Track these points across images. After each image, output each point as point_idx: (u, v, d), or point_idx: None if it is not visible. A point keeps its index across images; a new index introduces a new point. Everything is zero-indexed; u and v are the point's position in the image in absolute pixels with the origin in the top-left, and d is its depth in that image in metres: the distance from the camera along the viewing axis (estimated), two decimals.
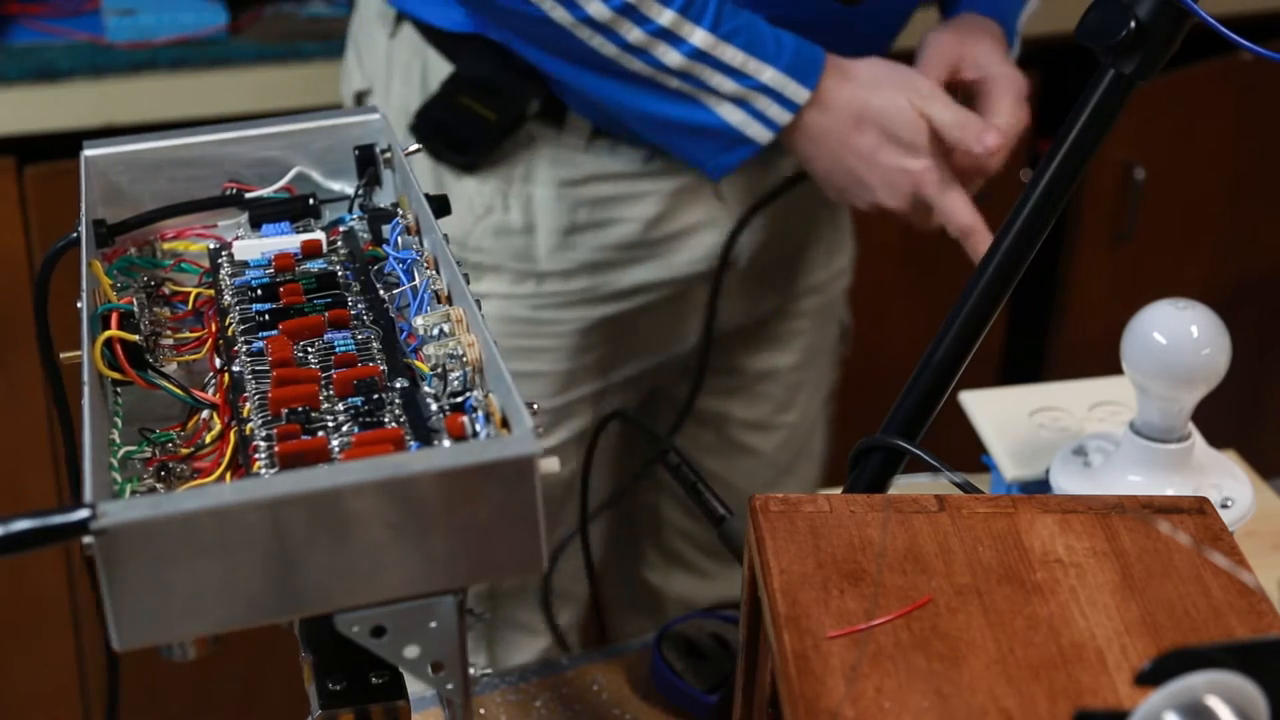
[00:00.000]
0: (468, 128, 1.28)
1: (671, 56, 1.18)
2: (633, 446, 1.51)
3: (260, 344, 0.78)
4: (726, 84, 1.20)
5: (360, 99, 1.39)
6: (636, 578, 1.67)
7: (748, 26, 1.20)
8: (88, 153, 0.88)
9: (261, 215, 0.89)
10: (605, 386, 1.42)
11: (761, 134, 1.21)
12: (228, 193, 0.90)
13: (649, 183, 1.33)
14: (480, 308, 0.76)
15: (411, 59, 1.32)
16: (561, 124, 1.30)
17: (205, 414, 0.77)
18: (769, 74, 1.19)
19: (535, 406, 0.67)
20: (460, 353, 0.74)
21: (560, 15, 1.16)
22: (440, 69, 1.30)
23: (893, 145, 1.20)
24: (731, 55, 1.19)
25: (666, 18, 1.17)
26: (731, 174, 1.27)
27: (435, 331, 0.76)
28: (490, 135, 1.28)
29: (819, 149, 1.23)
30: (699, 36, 1.18)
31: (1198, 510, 0.81)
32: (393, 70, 1.34)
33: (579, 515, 1.27)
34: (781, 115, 1.20)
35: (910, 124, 1.21)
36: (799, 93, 1.20)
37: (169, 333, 0.82)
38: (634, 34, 1.17)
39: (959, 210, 1.21)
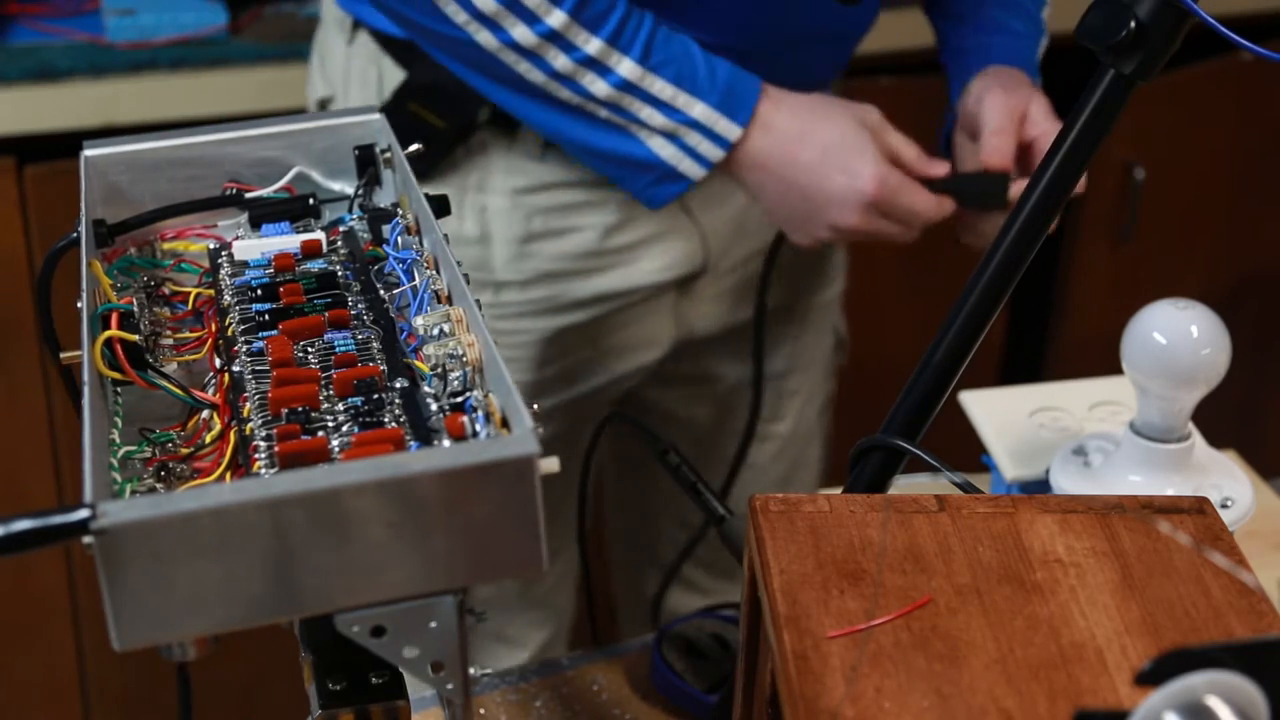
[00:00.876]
0: (418, 135, 1.23)
1: (599, 86, 1.16)
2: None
3: (260, 344, 0.78)
4: (656, 117, 1.18)
5: (322, 106, 1.37)
6: (632, 591, 1.66)
7: (680, 57, 1.17)
8: (88, 153, 0.88)
9: (261, 215, 0.89)
10: (575, 396, 1.40)
11: (694, 170, 1.19)
12: (228, 193, 0.90)
13: (606, 190, 1.31)
14: (481, 308, 0.76)
15: (368, 66, 1.31)
16: (514, 133, 1.28)
17: (205, 414, 0.77)
18: (699, 109, 1.17)
19: (535, 407, 0.67)
20: (460, 353, 0.74)
21: (485, 39, 1.14)
22: (395, 76, 1.29)
23: (839, 153, 1.17)
24: (660, 88, 1.17)
25: (594, 46, 1.15)
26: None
27: (435, 331, 0.76)
28: (440, 143, 1.27)
29: (764, 174, 1.19)
30: (626, 67, 1.16)
31: (1198, 510, 0.81)
32: (350, 77, 1.33)
33: (577, 520, 1.27)
34: (714, 152, 1.18)
35: (855, 135, 1.18)
36: (730, 129, 1.17)
37: (169, 333, 0.82)
38: (560, 61, 1.15)
39: (924, 203, 1.18)
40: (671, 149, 1.18)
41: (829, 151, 1.18)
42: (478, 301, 0.76)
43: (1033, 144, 1.24)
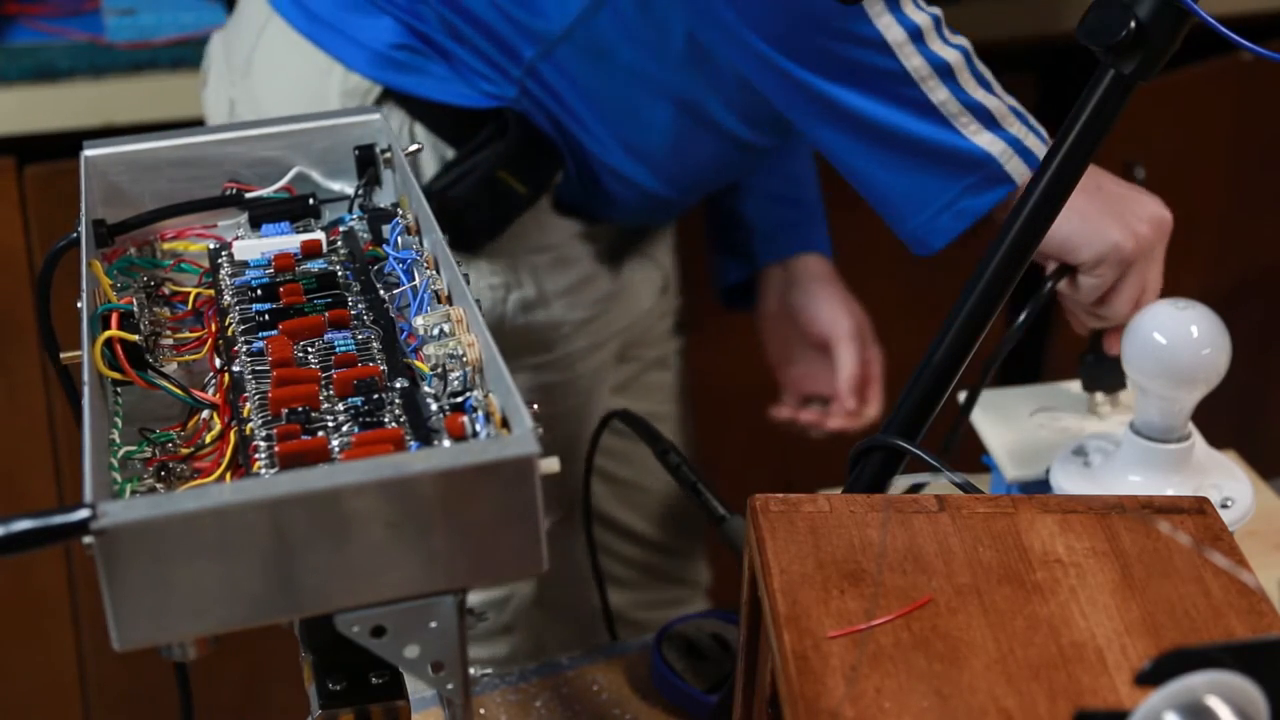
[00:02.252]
0: (501, 202, 1.25)
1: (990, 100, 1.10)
2: None
3: (260, 344, 0.78)
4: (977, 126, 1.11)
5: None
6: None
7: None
8: (88, 153, 0.88)
9: (261, 215, 0.89)
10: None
11: (1021, 169, 1.09)
12: (228, 193, 0.90)
13: (604, 237, 1.36)
14: (481, 311, 0.76)
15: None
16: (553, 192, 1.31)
17: (205, 414, 0.77)
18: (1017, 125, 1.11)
19: (535, 407, 0.67)
20: (460, 353, 0.74)
21: (917, 64, 1.06)
22: (430, 145, 1.26)
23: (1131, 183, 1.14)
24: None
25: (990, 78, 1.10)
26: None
27: (435, 331, 0.76)
28: (516, 208, 1.26)
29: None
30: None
31: (1198, 510, 0.81)
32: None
33: (583, 519, 1.27)
34: (1039, 145, 1.09)
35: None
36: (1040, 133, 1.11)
37: (169, 333, 0.82)
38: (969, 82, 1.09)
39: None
40: (1001, 144, 1.09)
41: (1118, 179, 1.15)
42: (477, 302, 0.76)
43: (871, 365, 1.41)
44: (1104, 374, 1.13)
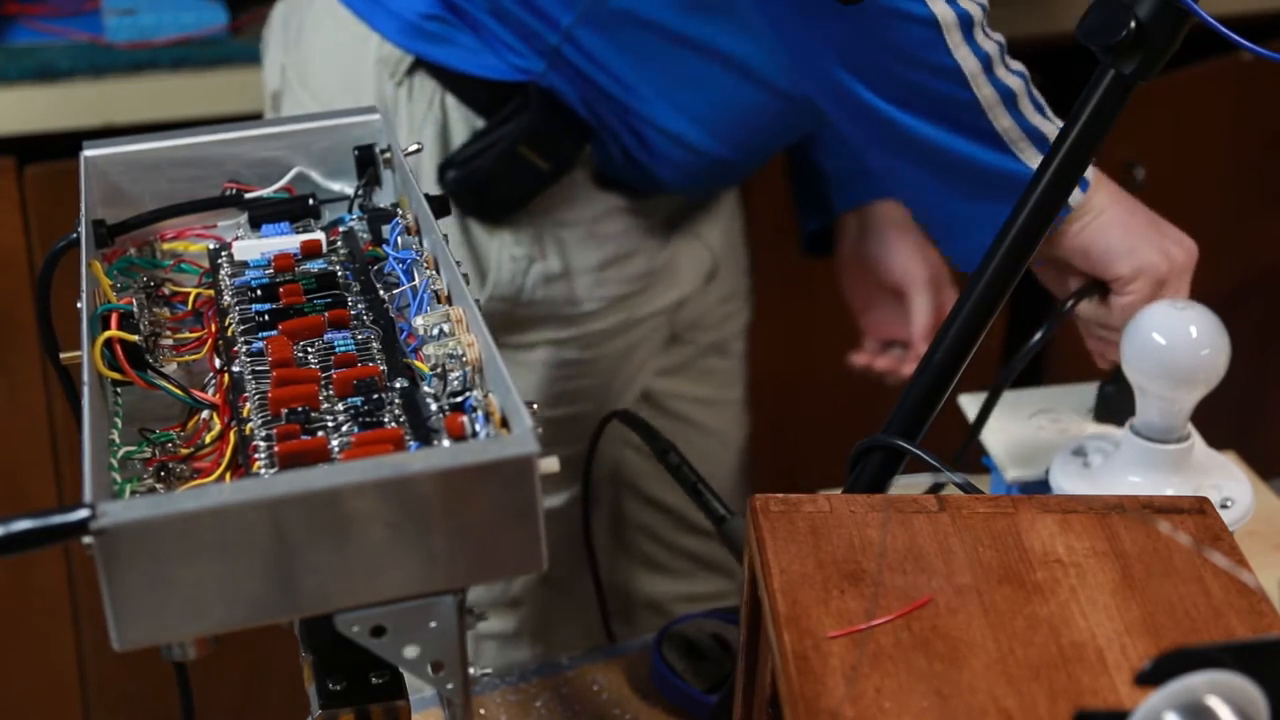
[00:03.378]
0: (521, 176, 1.26)
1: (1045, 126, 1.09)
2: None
3: (260, 344, 0.78)
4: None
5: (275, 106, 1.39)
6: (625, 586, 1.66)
7: None
8: (88, 153, 0.88)
9: (261, 215, 0.89)
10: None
11: (1075, 193, 1.08)
12: (228, 193, 0.90)
13: (652, 213, 1.35)
14: (483, 315, 0.76)
15: (427, 110, 1.28)
16: (587, 166, 1.30)
17: (205, 414, 0.77)
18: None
19: (534, 406, 0.67)
20: (460, 353, 0.74)
21: (987, 93, 1.06)
22: (461, 118, 1.28)
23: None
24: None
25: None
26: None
27: (435, 331, 0.76)
28: (539, 183, 1.27)
29: (1114, 196, 1.10)
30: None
31: (1198, 510, 0.81)
32: (398, 117, 1.30)
33: (582, 518, 1.27)
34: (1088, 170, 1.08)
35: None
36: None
37: (169, 333, 0.82)
38: (1029, 110, 1.09)
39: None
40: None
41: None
42: (477, 301, 0.76)
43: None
44: (1123, 405, 1.12)
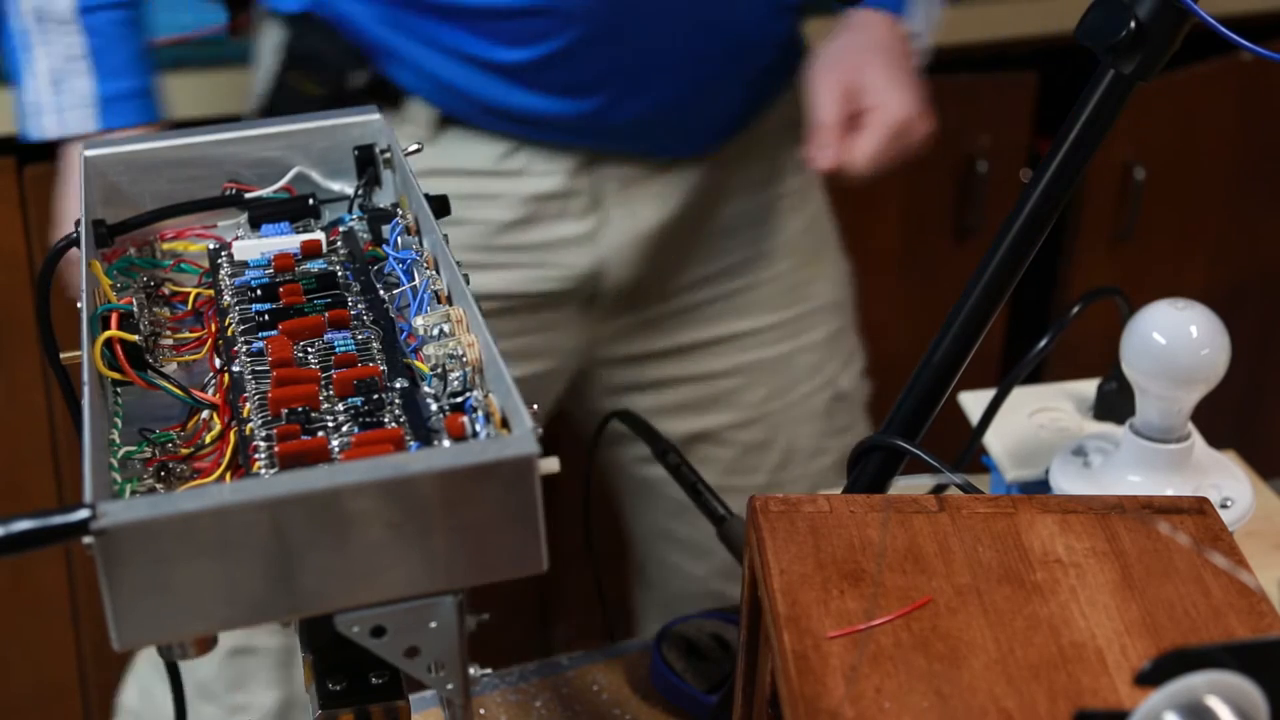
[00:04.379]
0: (297, 107, 1.22)
1: None
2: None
3: (260, 344, 0.78)
4: None
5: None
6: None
7: None
8: (88, 153, 0.88)
9: (261, 215, 0.89)
10: None
11: None
12: (228, 193, 0.90)
13: (502, 183, 1.27)
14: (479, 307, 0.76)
15: (269, 48, 1.30)
16: (401, 110, 1.25)
17: (205, 414, 0.77)
18: None
19: (535, 407, 0.67)
20: (460, 353, 0.74)
21: None
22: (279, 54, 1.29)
23: None
24: None
25: None
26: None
27: (435, 331, 0.76)
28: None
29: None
30: None
31: (1198, 510, 0.81)
32: (261, 63, 1.32)
33: (583, 519, 1.27)
34: None
35: None
36: None
37: (169, 333, 0.82)
38: None
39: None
40: None
41: None
42: (478, 301, 0.76)
43: (863, 116, 1.26)
44: (1123, 403, 1.12)
